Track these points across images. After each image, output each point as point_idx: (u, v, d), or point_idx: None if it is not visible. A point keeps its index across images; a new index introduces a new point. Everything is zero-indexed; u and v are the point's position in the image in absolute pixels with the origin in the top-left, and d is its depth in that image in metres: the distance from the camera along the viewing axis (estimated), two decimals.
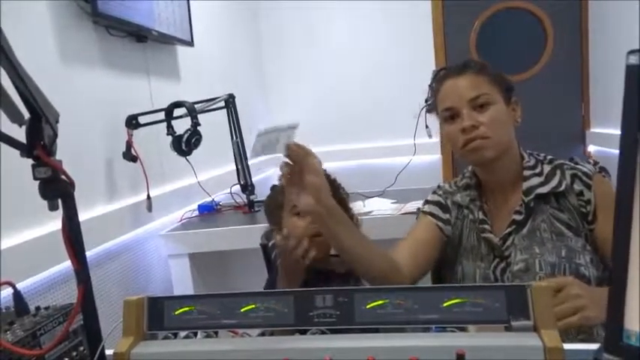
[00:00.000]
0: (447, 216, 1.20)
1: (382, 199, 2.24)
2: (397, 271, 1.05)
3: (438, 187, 1.28)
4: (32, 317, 0.77)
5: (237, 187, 2.37)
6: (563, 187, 1.09)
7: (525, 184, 1.10)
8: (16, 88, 0.62)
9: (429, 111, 2.33)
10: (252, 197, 2.34)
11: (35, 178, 0.66)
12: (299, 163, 0.86)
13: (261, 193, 2.55)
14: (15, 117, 0.65)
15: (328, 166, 1.37)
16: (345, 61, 3.64)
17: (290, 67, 3.73)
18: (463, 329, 0.64)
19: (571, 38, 3.43)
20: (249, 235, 1.80)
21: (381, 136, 3.61)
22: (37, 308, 0.80)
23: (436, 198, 1.24)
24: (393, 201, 2.15)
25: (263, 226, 1.79)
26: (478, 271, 1.13)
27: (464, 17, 3.50)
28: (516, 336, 0.59)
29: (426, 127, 2.44)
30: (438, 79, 1.18)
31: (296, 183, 0.88)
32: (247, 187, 2.33)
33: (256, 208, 2.32)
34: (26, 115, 0.65)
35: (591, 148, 3.42)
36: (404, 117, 2.95)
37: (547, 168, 1.12)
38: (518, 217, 1.10)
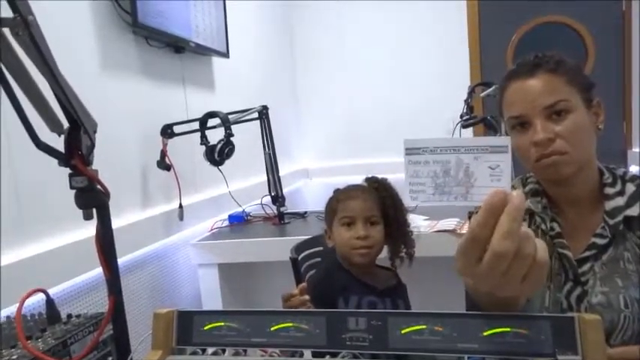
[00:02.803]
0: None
1: (415, 215, 2.19)
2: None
3: None
4: (63, 325, 0.77)
5: (268, 199, 2.38)
6: None
7: (609, 204, 0.95)
8: (57, 97, 0.63)
9: (464, 126, 2.28)
10: (282, 209, 2.33)
11: (72, 187, 0.67)
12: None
13: (292, 206, 2.55)
14: (55, 126, 0.66)
15: (357, 179, 1.37)
16: (379, 74, 3.62)
17: (322, 79, 3.74)
18: None
19: (613, 54, 3.33)
20: (279, 247, 1.79)
21: None
22: (69, 316, 0.81)
23: None
24: (426, 217, 2.10)
25: (293, 238, 1.79)
26: (548, 292, 0.97)
27: (501, 31, 3.45)
28: None
29: None
30: (504, 79, 1.00)
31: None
32: (278, 199, 2.32)
33: (286, 220, 2.31)
34: (65, 124, 0.66)
35: (633, 169, 3.29)
36: (438, 131, 2.91)
37: (630, 187, 0.96)
38: (600, 241, 0.94)
